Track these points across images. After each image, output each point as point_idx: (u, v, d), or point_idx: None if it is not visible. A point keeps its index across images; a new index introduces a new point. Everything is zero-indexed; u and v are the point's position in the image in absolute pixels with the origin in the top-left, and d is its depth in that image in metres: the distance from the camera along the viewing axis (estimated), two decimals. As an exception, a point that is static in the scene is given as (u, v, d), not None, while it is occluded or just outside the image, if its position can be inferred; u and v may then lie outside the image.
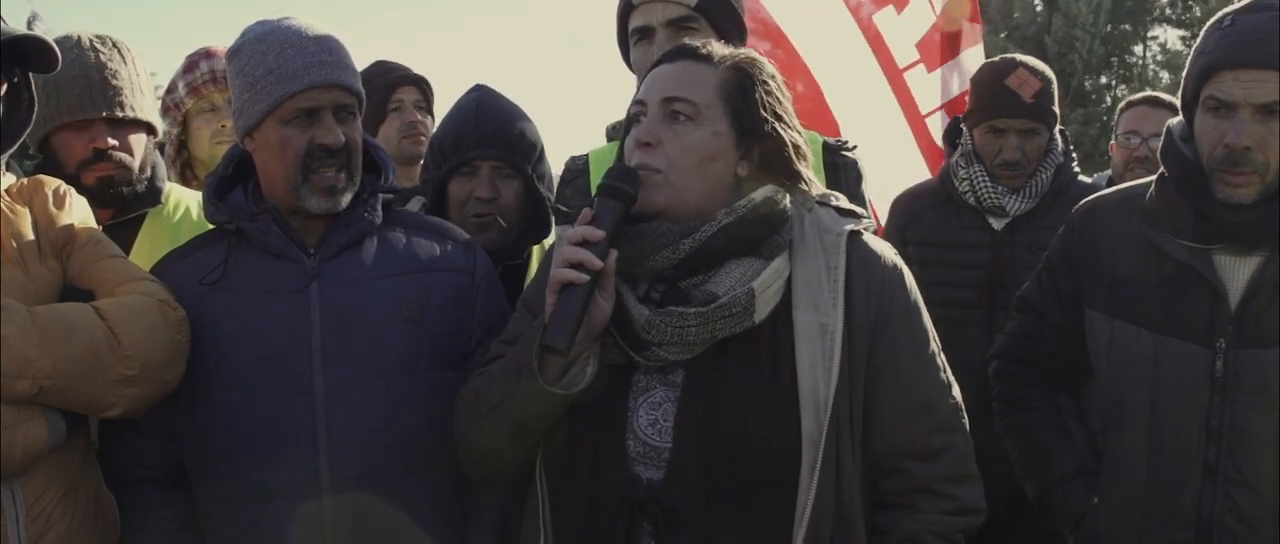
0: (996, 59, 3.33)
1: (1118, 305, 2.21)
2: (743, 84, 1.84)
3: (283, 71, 2.01)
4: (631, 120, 1.87)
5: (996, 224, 3.26)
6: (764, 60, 1.91)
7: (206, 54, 3.12)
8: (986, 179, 3.23)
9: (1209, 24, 2.11)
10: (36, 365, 1.79)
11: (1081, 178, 3.38)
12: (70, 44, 2.43)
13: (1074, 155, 3.38)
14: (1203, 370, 2.08)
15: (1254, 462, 2.05)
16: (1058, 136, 3.31)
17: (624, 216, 1.76)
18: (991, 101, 3.22)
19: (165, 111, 3.17)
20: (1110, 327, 2.22)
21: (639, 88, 1.90)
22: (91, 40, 2.46)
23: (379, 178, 2.18)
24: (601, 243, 1.72)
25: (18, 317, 1.80)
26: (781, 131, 1.85)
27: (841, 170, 2.64)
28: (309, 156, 2.04)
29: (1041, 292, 2.43)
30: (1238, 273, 2.09)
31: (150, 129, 2.54)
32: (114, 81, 2.43)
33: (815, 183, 1.93)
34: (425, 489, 2.10)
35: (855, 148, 2.72)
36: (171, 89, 3.20)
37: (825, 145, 2.67)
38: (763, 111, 1.83)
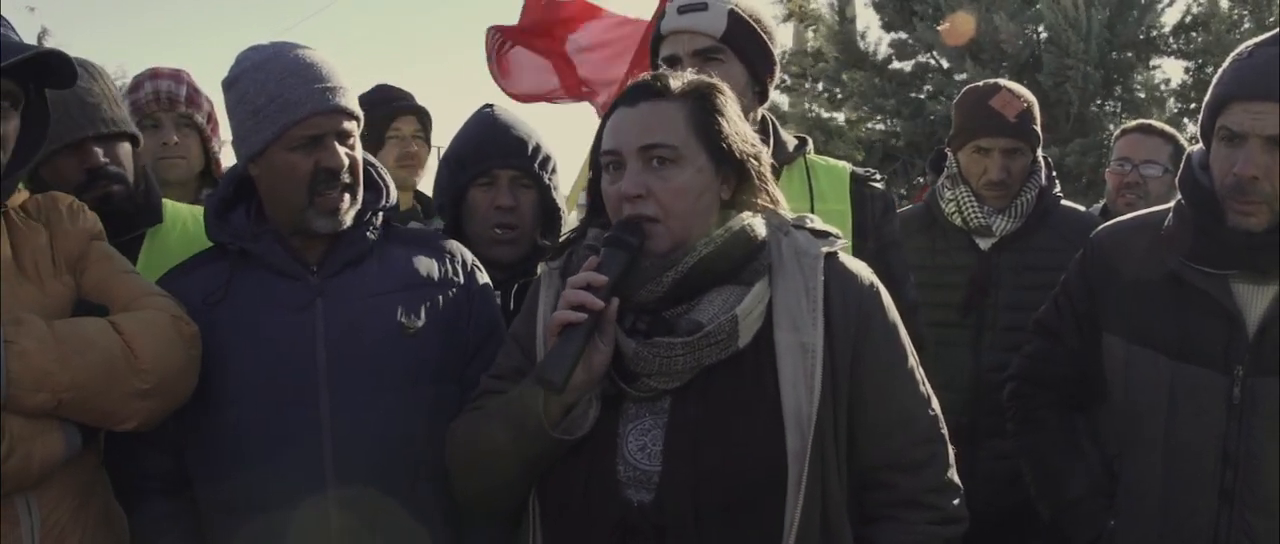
0: (980, 83, 3.37)
1: (1135, 330, 2.21)
2: (708, 112, 1.85)
3: (285, 100, 2.03)
4: (603, 168, 1.88)
5: (983, 244, 3.28)
6: (720, 83, 1.92)
7: (152, 74, 3.13)
8: (973, 200, 3.26)
9: (1232, 54, 2.12)
10: (56, 378, 1.80)
11: (1064, 202, 3.40)
12: None
13: (1057, 179, 3.41)
14: (1220, 396, 2.08)
15: (1269, 486, 2.05)
16: (1041, 160, 3.34)
17: (629, 266, 1.79)
18: (975, 122, 3.24)
19: None
20: (1127, 351, 2.22)
21: (606, 134, 1.88)
22: None
23: (379, 197, 2.22)
24: (604, 288, 1.76)
25: (37, 330, 1.81)
26: (749, 152, 1.88)
27: (868, 201, 2.61)
28: (315, 180, 2.07)
29: (1058, 315, 2.43)
30: (1255, 301, 2.10)
31: (134, 139, 2.52)
32: (91, 99, 2.41)
33: (780, 199, 1.95)
34: (429, 501, 2.12)
35: (883, 179, 2.70)
36: None
37: (852, 175, 2.64)
38: (731, 136, 1.86)
